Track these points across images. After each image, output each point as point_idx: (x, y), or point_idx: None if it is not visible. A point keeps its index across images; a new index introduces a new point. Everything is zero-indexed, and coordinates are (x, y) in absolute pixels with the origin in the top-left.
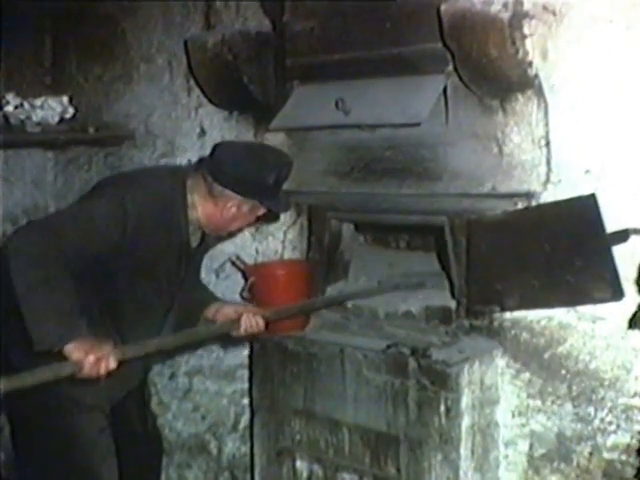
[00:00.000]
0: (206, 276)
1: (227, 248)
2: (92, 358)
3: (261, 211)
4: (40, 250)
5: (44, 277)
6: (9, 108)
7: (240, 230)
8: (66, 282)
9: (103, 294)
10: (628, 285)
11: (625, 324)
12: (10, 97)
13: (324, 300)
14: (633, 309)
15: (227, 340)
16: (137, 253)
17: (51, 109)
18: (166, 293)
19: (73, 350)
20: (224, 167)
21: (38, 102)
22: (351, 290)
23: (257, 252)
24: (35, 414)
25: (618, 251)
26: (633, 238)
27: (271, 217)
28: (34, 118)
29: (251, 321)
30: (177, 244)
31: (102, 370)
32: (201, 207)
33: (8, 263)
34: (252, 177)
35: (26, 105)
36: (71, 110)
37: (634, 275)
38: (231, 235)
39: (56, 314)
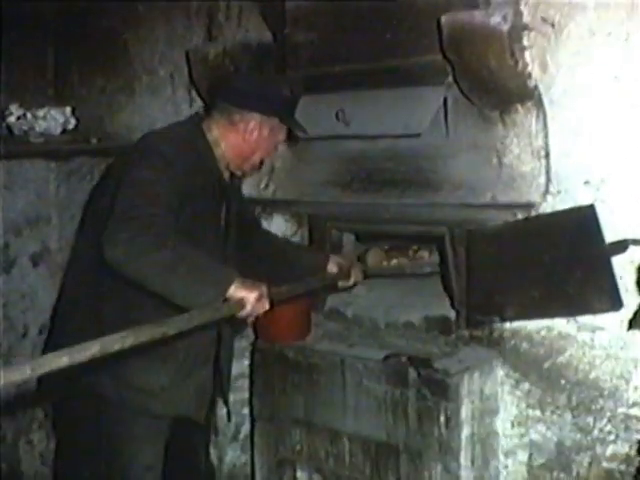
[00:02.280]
0: None
1: None
2: (256, 294)
3: (281, 136)
4: (146, 238)
5: (171, 257)
6: (12, 119)
7: (262, 163)
8: (186, 246)
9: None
10: (628, 295)
11: (624, 334)
12: (13, 108)
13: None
14: (633, 316)
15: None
16: (189, 198)
17: (54, 120)
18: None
19: (236, 290)
20: (240, 89)
21: (41, 113)
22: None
23: None
24: (89, 417)
25: (617, 261)
26: (632, 248)
27: (290, 143)
28: (37, 129)
29: (358, 274)
30: (212, 183)
31: (265, 306)
32: (224, 141)
33: (126, 270)
34: (269, 92)
35: (29, 116)
36: (73, 121)
37: (633, 284)
38: (256, 169)
39: (206, 272)
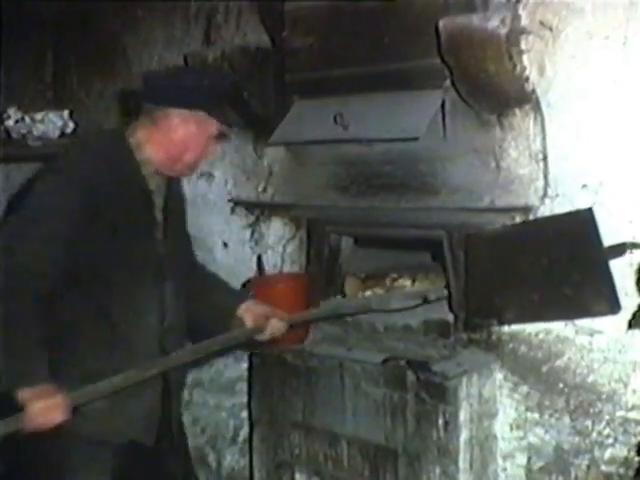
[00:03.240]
0: None
1: (226, 260)
2: (42, 405)
3: (212, 130)
4: (6, 279)
5: (8, 312)
6: (10, 122)
7: (197, 163)
8: (29, 317)
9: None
10: (627, 299)
11: (623, 337)
12: (11, 111)
13: (347, 307)
14: (632, 316)
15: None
16: (106, 218)
17: (52, 123)
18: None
19: (25, 395)
20: (158, 86)
21: (39, 116)
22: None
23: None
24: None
25: (615, 265)
26: (633, 252)
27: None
28: (35, 132)
29: (276, 325)
30: (138, 193)
31: (56, 419)
32: (149, 143)
33: None
34: (189, 84)
35: (27, 119)
36: (72, 125)
37: (633, 286)
38: (192, 170)
39: (17, 356)
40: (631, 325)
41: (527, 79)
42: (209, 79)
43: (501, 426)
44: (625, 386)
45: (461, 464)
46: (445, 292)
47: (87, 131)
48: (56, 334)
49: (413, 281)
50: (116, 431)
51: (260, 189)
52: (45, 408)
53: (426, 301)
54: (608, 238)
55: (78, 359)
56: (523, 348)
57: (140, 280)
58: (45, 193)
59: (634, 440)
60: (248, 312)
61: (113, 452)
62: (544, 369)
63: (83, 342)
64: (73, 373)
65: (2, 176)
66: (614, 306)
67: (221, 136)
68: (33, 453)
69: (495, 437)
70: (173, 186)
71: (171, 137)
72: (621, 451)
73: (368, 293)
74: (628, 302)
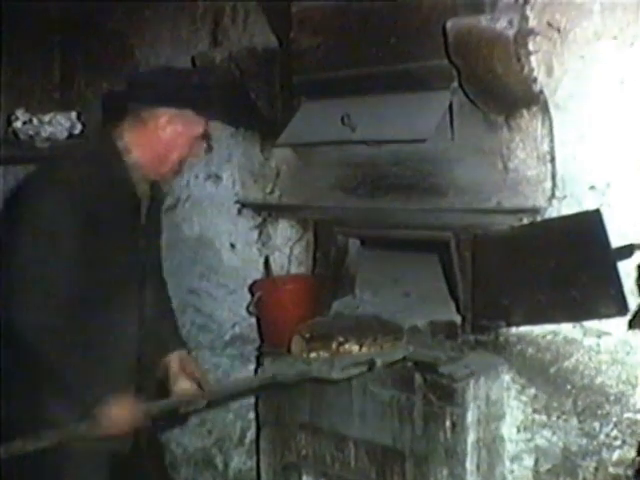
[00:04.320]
0: (215, 291)
1: (233, 262)
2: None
3: (198, 129)
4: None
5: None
6: (18, 124)
7: (181, 165)
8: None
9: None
10: (633, 299)
11: (631, 339)
12: (19, 113)
13: (285, 377)
14: (632, 316)
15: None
16: (99, 226)
17: (60, 125)
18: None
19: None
20: (144, 84)
21: (47, 118)
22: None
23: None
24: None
25: (623, 266)
26: (638, 253)
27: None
28: (43, 134)
29: (184, 388)
30: (127, 199)
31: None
32: (136, 145)
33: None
34: (176, 82)
35: (35, 121)
36: (79, 126)
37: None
38: (176, 173)
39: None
40: (631, 325)
41: (535, 80)
42: (196, 77)
43: (508, 428)
44: (633, 388)
45: (468, 466)
46: (396, 356)
47: (74, 146)
48: None
49: (360, 346)
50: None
51: (267, 190)
52: (122, 413)
53: (372, 368)
54: (616, 239)
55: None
56: (531, 350)
57: (126, 288)
58: (44, 228)
59: None
60: (177, 362)
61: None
62: (552, 371)
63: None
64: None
65: (11, 178)
66: (622, 308)
67: (206, 136)
68: (34, 466)
69: (502, 439)
70: (155, 192)
71: (159, 136)
72: (629, 453)
73: (313, 355)
74: (633, 302)
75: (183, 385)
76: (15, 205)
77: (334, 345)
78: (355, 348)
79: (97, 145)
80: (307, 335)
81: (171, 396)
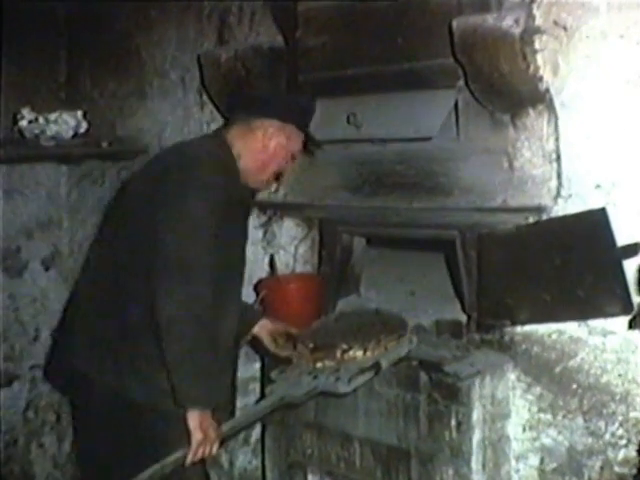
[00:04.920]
0: None
1: None
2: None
3: (298, 144)
4: (199, 306)
5: (201, 341)
6: (24, 123)
7: (277, 176)
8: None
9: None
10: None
11: (636, 338)
12: (25, 112)
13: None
14: (633, 316)
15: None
16: (225, 226)
17: (65, 124)
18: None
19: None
20: (259, 98)
21: (52, 117)
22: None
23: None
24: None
25: (628, 265)
26: None
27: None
28: (48, 132)
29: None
30: (240, 202)
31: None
32: (244, 151)
33: (171, 328)
34: (286, 100)
35: (40, 120)
36: (85, 125)
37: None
38: (271, 183)
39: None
40: (631, 325)
41: (541, 79)
42: (304, 97)
43: (514, 427)
44: (639, 387)
45: (474, 465)
46: (401, 352)
47: (199, 142)
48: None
49: (365, 351)
50: None
51: (272, 189)
52: (206, 440)
53: (378, 372)
54: (621, 238)
55: None
56: (536, 349)
57: (236, 281)
58: (199, 206)
59: None
60: (263, 329)
61: None
62: (557, 370)
63: None
64: None
65: (16, 176)
66: (627, 306)
67: (298, 155)
68: (126, 427)
69: (508, 438)
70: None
71: (265, 144)
72: (635, 452)
73: (319, 365)
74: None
75: (280, 343)
76: (159, 204)
77: (338, 353)
78: (359, 354)
79: (217, 149)
80: (310, 345)
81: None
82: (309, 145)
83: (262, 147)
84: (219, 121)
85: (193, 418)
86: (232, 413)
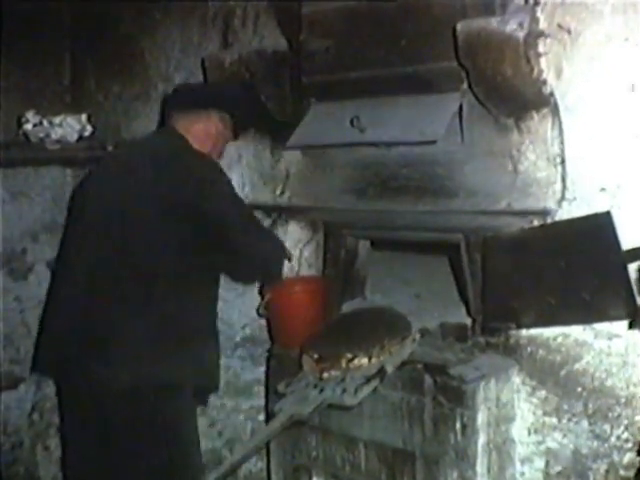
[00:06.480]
0: (225, 293)
1: None
2: None
3: (230, 132)
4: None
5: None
6: (29, 126)
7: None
8: None
9: None
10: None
11: None
12: (30, 115)
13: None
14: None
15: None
16: None
17: (70, 127)
18: None
19: None
20: (194, 91)
21: (57, 120)
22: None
23: None
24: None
25: (630, 266)
26: None
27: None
28: (53, 136)
29: None
30: None
31: None
32: (193, 138)
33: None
34: (222, 90)
35: (45, 123)
36: (90, 128)
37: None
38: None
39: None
40: (631, 325)
41: (545, 82)
42: (234, 89)
43: (519, 430)
44: None
45: (479, 468)
46: (404, 354)
47: (161, 136)
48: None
49: (369, 358)
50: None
51: (277, 192)
52: None
53: (383, 378)
54: (626, 241)
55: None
56: (541, 352)
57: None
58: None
59: None
60: None
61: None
62: (562, 373)
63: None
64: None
65: (21, 179)
66: (632, 310)
67: (230, 140)
68: (149, 408)
69: (513, 441)
70: None
71: (209, 131)
72: None
73: (325, 375)
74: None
75: None
76: (193, 196)
77: (344, 363)
78: (364, 361)
79: (185, 142)
80: (315, 356)
81: None
82: (236, 130)
83: (205, 135)
84: None
85: None
86: (216, 389)
